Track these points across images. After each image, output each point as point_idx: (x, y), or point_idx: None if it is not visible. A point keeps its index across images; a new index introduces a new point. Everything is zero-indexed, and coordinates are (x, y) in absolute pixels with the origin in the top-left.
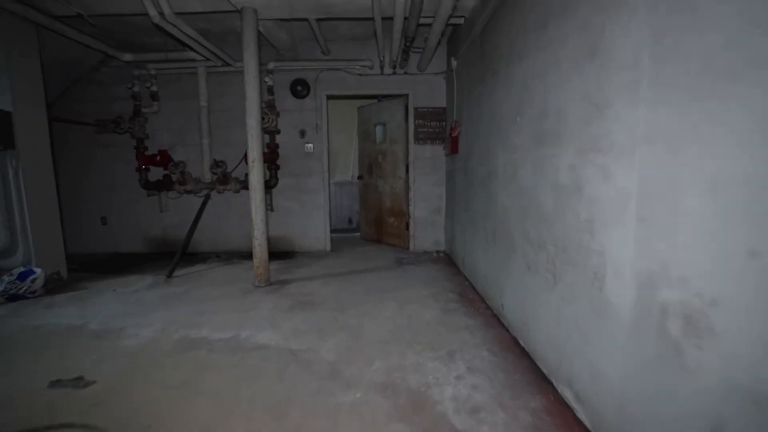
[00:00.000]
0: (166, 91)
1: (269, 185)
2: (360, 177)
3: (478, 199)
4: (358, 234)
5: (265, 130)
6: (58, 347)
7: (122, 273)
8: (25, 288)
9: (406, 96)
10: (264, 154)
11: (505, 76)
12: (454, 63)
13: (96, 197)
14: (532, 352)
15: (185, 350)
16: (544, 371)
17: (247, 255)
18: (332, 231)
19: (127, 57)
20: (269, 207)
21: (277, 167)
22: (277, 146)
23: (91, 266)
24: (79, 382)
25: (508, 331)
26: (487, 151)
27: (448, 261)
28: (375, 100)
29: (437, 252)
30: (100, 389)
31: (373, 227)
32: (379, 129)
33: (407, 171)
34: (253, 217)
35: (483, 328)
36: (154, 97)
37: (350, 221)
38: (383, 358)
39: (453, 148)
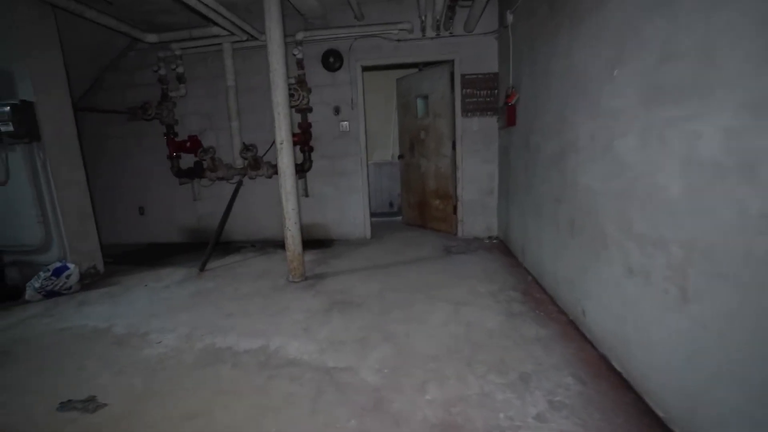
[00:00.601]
0: (193, 72)
1: (302, 169)
2: (401, 156)
3: (546, 180)
4: (399, 218)
5: (295, 109)
6: (78, 356)
7: (156, 265)
8: (60, 284)
9: (451, 62)
10: (295, 135)
11: (594, 19)
12: (509, 17)
13: (133, 188)
14: (636, 382)
15: (208, 364)
16: (661, 415)
17: (282, 244)
18: (372, 215)
19: (151, 38)
20: (303, 192)
21: (311, 149)
22: (309, 126)
23: (127, 258)
24: (90, 404)
25: (593, 346)
26: (561, 120)
27: (503, 249)
28: (416, 70)
29: (490, 238)
30: (109, 415)
31: (417, 211)
32: (420, 102)
33: (453, 148)
34: (284, 206)
35: (560, 341)
36: (180, 79)
37: (391, 205)
38: (439, 383)
39: (509, 119)
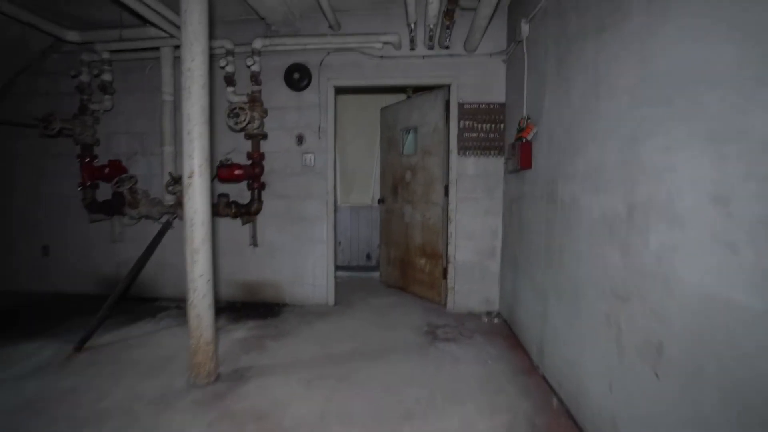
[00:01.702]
0: (126, 82)
1: (248, 211)
2: (381, 200)
3: (593, 257)
4: (377, 274)
5: (245, 134)
6: None
7: (27, 334)
8: None
9: (447, 88)
10: (240, 167)
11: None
12: (524, 29)
13: (36, 220)
14: None
15: None
16: None
17: (225, 307)
18: (345, 268)
19: (72, 36)
20: (251, 241)
21: (261, 186)
22: (261, 157)
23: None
24: None
25: None
26: (629, 163)
27: (508, 337)
28: (403, 97)
29: (489, 315)
30: None
31: (398, 270)
32: (407, 136)
33: (446, 194)
34: (189, 270)
35: None
36: (105, 89)
37: (369, 257)
38: None
39: (523, 160)
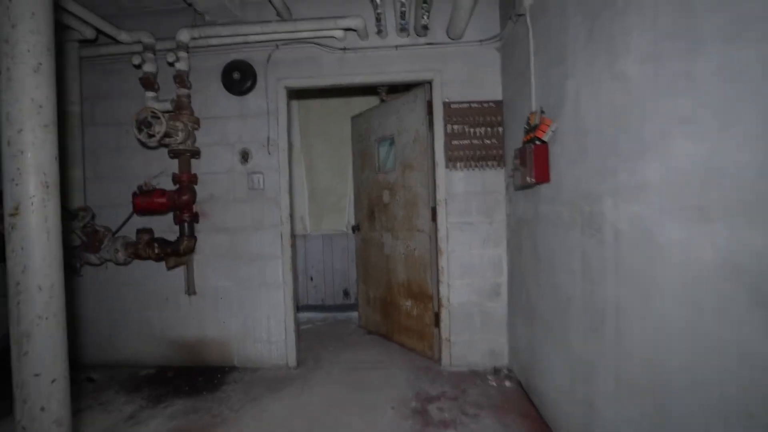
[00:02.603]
0: None
1: (176, 250)
2: (356, 228)
3: (682, 327)
4: (357, 314)
5: (169, 151)
6: None
7: None
8: None
9: (428, 85)
10: (163, 194)
11: None
12: (526, 2)
13: None
14: None
15: None
16: None
17: (153, 377)
18: (318, 308)
19: None
20: (187, 288)
21: (194, 216)
22: (192, 179)
23: None
24: None
25: None
26: None
27: (526, 413)
28: (377, 102)
29: (496, 373)
30: None
31: (378, 313)
32: (383, 148)
33: (433, 218)
34: (14, 368)
35: None
36: None
37: (346, 294)
38: None
39: (538, 170)
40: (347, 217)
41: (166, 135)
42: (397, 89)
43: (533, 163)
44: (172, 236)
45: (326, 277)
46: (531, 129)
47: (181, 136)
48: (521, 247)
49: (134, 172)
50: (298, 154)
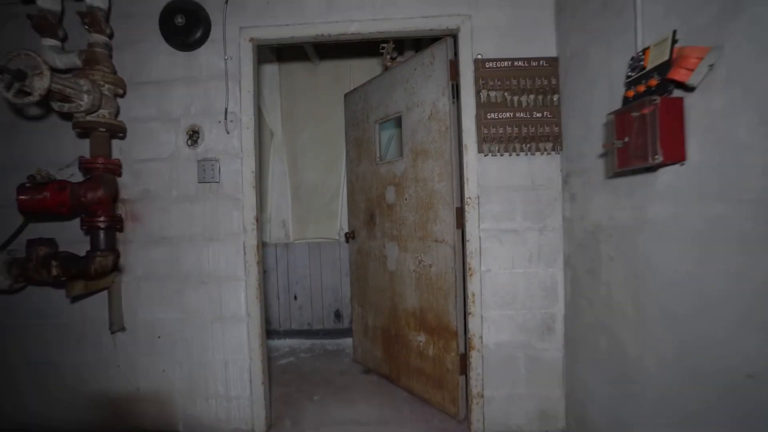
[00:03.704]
0: None
1: (84, 271)
2: (349, 235)
3: None
4: (350, 341)
5: (75, 125)
6: None
7: None
8: None
9: (452, 39)
10: (65, 188)
11: None
12: None
13: None
14: None
15: None
16: None
17: None
18: (303, 334)
19: None
20: (112, 323)
21: (114, 221)
22: (113, 167)
23: None
24: None
25: None
26: None
27: None
28: (376, 69)
29: None
30: None
31: (380, 345)
32: (386, 131)
33: (459, 224)
34: None
35: None
36: None
37: (338, 316)
38: None
39: (668, 143)
40: (339, 221)
41: (61, 97)
42: (404, 49)
43: (658, 129)
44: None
45: (314, 295)
46: (648, 74)
47: (86, 100)
48: (597, 269)
49: (36, 159)
50: (279, 144)
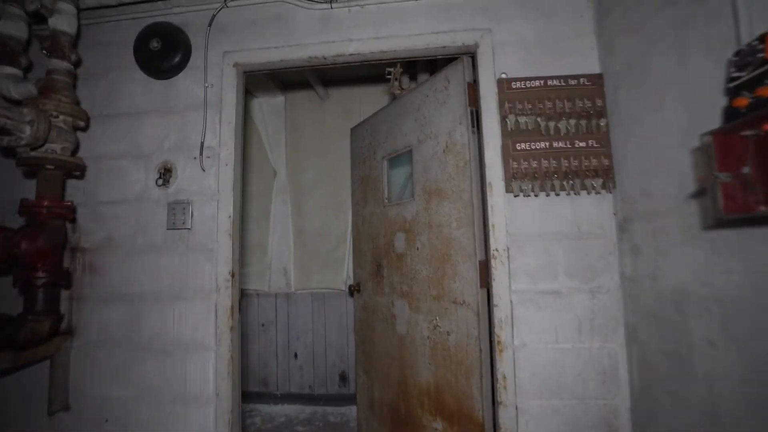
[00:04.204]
0: None
1: (11, 341)
2: (354, 288)
3: None
4: (355, 408)
5: (19, 161)
6: None
7: None
8: None
9: (469, 58)
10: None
11: None
12: None
13: None
14: None
15: None
16: None
17: None
18: (303, 399)
19: None
20: (52, 400)
21: (58, 275)
22: (63, 211)
23: None
24: None
25: None
26: None
27: None
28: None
29: None
30: None
31: (387, 425)
32: (395, 168)
33: (484, 282)
34: None
35: None
36: None
37: (343, 379)
38: None
39: None
40: (346, 270)
41: (10, 133)
42: (416, 73)
43: None
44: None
45: (316, 354)
46: None
47: (28, 132)
48: (686, 354)
49: None
50: (282, 184)
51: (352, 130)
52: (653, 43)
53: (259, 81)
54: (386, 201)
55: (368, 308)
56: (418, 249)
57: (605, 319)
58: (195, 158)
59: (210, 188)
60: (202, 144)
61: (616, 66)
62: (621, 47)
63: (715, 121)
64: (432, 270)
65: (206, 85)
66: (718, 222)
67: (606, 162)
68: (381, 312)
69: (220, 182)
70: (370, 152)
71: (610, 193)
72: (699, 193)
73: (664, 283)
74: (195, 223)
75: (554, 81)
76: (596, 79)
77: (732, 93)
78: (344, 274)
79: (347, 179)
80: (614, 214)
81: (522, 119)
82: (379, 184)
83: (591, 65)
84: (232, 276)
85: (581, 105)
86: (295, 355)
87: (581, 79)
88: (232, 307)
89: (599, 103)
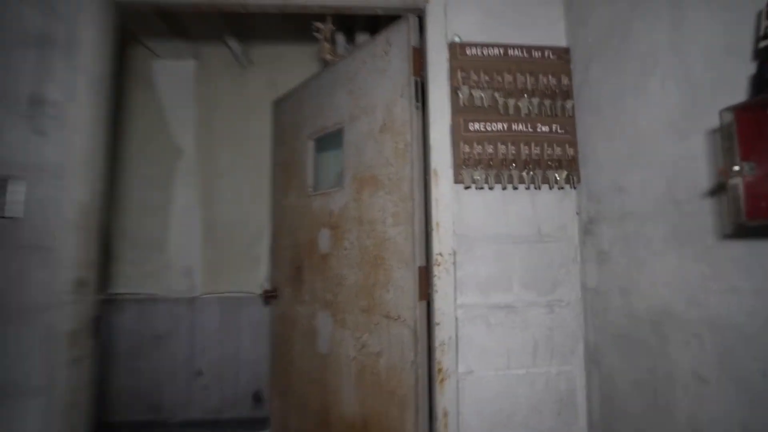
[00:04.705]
0: None
1: None
2: (270, 294)
3: None
4: None
5: None
6: None
7: None
8: None
9: (415, 17)
10: None
11: None
12: None
13: None
14: None
15: None
16: None
17: None
18: (207, 425)
19: None
20: None
21: None
22: None
23: None
24: None
25: None
26: None
27: None
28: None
29: None
30: None
31: None
32: (323, 150)
33: (423, 293)
34: None
35: None
36: None
37: (257, 399)
38: None
39: None
40: (265, 271)
41: None
42: (355, 33)
43: None
44: None
45: (225, 370)
46: None
47: None
48: (667, 391)
49: None
50: (189, 168)
51: (275, 103)
52: (635, 5)
53: (160, 32)
54: (310, 190)
55: (286, 319)
56: (345, 249)
57: (563, 337)
58: (27, 117)
59: (50, 161)
60: (36, 96)
61: (588, 38)
62: (595, 15)
63: (721, 101)
64: (362, 276)
65: (48, 11)
66: (737, 229)
67: (571, 152)
68: (301, 325)
69: (69, 154)
70: (294, 130)
71: (574, 188)
72: (715, 191)
73: (638, 299)
74: (27, 211)
75: (516, 51)
76: (563, 54)
77: (764, 55)
78: (262, 275)
79: (263, 165)
80: (577, 214)
81: (477, 93)
82: (303, 169)
83: (557, 37)
84: (82, 285)
85: (545, 82)
86: (199, 373)
87: (546, 52)
88: (77, 331)
89: (565, 81)
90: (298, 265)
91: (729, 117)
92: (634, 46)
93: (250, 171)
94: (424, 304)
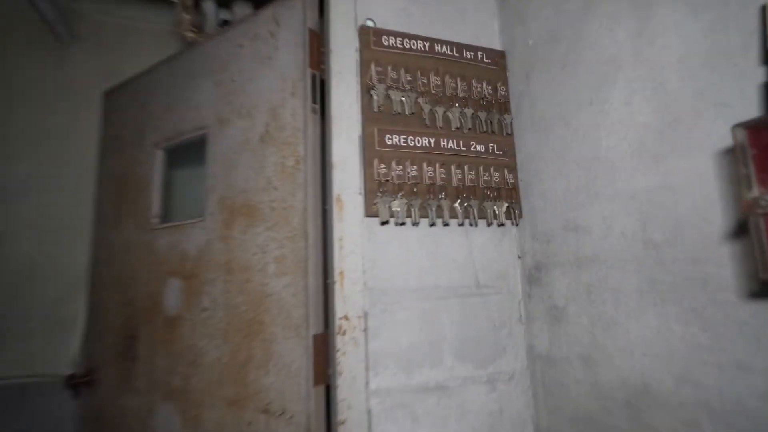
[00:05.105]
0: None
1: None
2: (81, 379)
3: None
4: None
5: None
6: None
7: None
8: None
9: None
10: None
11: None
12: None
13: None
14: None
15: None
16: None
17: None
18: None
19: None
20: None
21: None
22: None
23: None
24: None
25: None
26: None
27: None
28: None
29: None
30: None
31: None
32: (178, 165)
33: (320, 377)
34: None
35: None
36: None
37: None
38: None
39: None
40: (81, 340)
41: None
42: (231, 4)
43: None
44: None
45: None
46: None
47: None
48: None
49: None
50: None
51: (106, 94)
52: (589, 3)
53: None
54: (156, 220)
55: (105, 420)
56: (205, 310)
57: (510, 425)
58: None
59: None
60: None
61: (527, 39)
62: (536, 13)
63: (708, 116)
64: (228, 350)
65: None
66: (764, 285)
67: (511, 178)
68: (129, 428)
69: None
70: (134, 135)
71: (516, 224)
72: (738, 232)
73: (606, 371)
74: None
75: (445, 48)
76: (498, 59)
77: None
78: (75, 347)
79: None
80: (519, 258)
81: (397, 96)
82: (147, 190)
83: (490, 36)
84: None
85: (479, 90)
86: None
87: (479, 53)
88: None
89: (502, 91)
90: (130, 333)
91: (741, 135)
92: (589, 52)
93: (65, 189)
94: (321, 390)
